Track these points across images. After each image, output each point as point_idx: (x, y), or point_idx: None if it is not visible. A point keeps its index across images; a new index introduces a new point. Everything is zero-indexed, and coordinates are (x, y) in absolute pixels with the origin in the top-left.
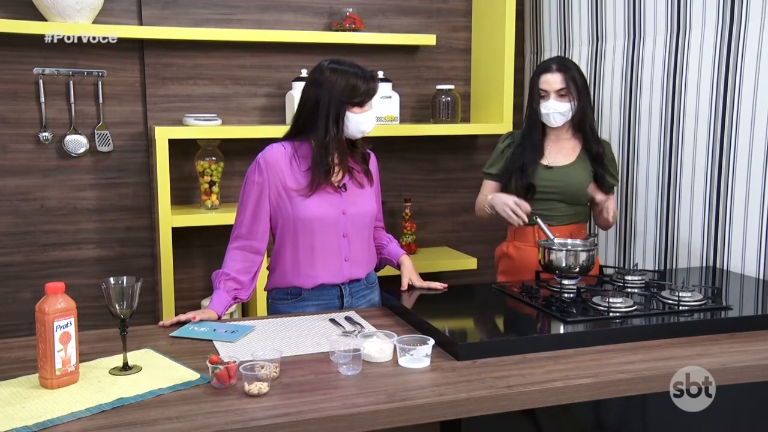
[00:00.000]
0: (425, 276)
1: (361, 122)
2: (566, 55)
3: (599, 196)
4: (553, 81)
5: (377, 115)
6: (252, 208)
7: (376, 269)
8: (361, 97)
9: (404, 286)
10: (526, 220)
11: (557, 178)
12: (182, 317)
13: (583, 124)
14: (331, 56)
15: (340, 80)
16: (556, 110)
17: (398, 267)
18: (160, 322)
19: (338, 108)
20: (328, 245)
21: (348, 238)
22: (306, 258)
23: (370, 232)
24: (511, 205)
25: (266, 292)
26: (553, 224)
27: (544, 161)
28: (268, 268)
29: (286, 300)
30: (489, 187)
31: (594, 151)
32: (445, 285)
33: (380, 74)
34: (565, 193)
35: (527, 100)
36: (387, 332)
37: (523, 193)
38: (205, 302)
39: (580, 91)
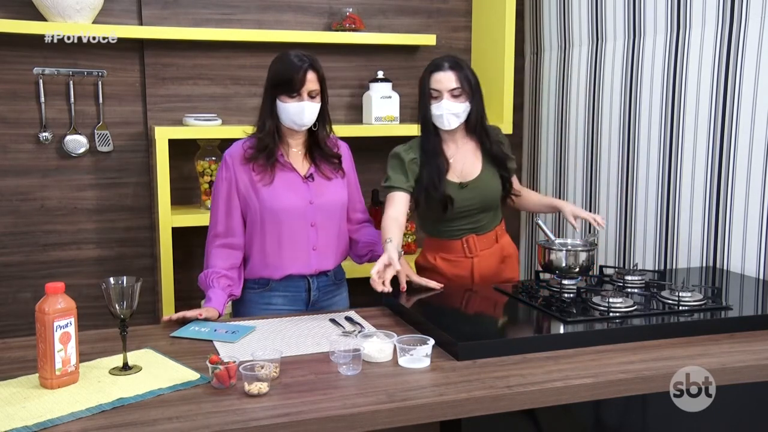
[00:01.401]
0: None
1: (292, 113)
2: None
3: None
4: (446, 80)
5: (377, 115)
6: (224, 205)
7: (369, 261)
8: (286, 87)
9: (403, 285)
10: (386, 289)
11: (473, 195)
12: (188, 314)
13: (478, 125)
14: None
15: (273, 69)
16: (449, 111)
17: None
18: (165, 317)
19: (267, 96)
20: (296, 235)
21: (316, 228)
22: (273, 249)
23: (340, 222)
24: (378, 268)
25: None
26: (481, 233)
27: (455, 178)
28: None
29: (253, 289)
30: (400, 199)
31: (493, 152)
32: (442, 285)
33: (380, 74)
34: (484, 203)
35: (420, 104)
36: (387, 332)
37: (442, 210)
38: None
39: (474, 91)
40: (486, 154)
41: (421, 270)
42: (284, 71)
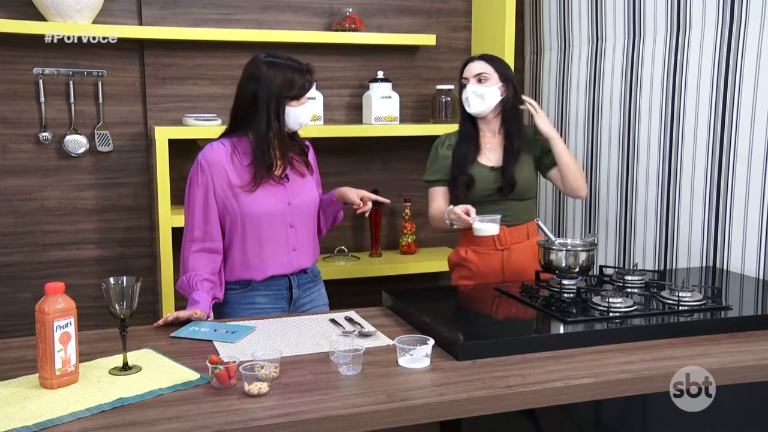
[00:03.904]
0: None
1: (298, 115)
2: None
3: (544, 131)
4: (474, 68)
5: (377, 115)
6: (201, 210)
7: (330, 226)
8: (299, 91)
9: (358, 203)
10: (470, 221)
11: (499, 181)
12: (181, 314)
13: (510, 115)
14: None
15: (278, 75)
16: (474, 92)
17: (341, 200)
18: (158, 322)
19: (278, 102)
20: (276, 237)
21: (295, 228)
22: (255, 251)
23: (315, 221)
24: (458, 211)
25: None
26: (509, 224)
27: (487, 162)
28: None
29: (234, 290)
30: (440, 193)
31: (514, 145)
32: (388, 200)
33: (380, 74)
34: (515, 191)
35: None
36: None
37: (465, 190)
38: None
39: (506, 79)
40: (508, 145)
41: (452, 266)
42: (294, 76)
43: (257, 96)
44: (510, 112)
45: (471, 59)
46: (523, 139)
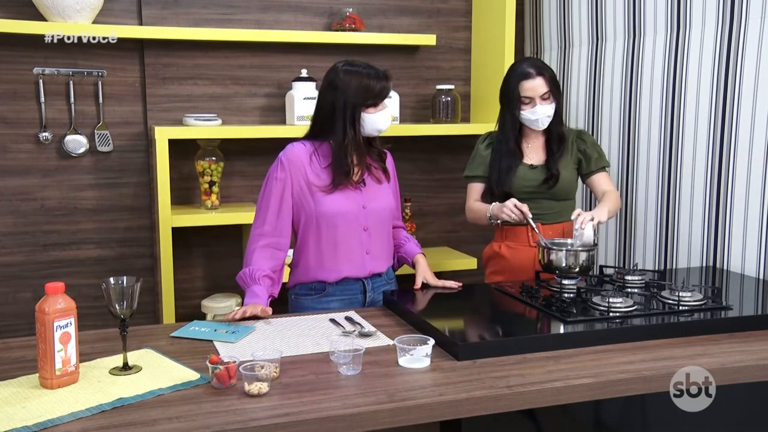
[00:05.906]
0: None
1: (376, 121)
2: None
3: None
4: (537, 86)
5: None
6: (276, 205)
7: (394, 268)
8: (375, 98)
9: (417, 284)
10: (526, 215)
11: (540, 176)
12: (250, 311)
13: (558, 120)
14: (344, 57)
15: (354, 82)
16: (545, 114)
17: (413, 266)
18: (233, 314)
19: (354, 110)
20: (350, 239)
21: (369, 232)
22: (329, 252)
23: (389, 227)
24: (510, 206)
25: (288, 289)
26: (544, 223)
27: (528, 161)
28: (289, 264)
29: (309, 295)
30: (477, 190)
31: (556, 146)
32: (460, 284)
33: None
34: (553, 189)
35: (504, 107)
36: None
37: (503, 201)
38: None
39: (558, 91)
40: (558, 147)
41: (486, 260)
42: (372, 84)
43: (335, 104)
44: (556, 115)
45: (527, 75)
46: (566, 139)
